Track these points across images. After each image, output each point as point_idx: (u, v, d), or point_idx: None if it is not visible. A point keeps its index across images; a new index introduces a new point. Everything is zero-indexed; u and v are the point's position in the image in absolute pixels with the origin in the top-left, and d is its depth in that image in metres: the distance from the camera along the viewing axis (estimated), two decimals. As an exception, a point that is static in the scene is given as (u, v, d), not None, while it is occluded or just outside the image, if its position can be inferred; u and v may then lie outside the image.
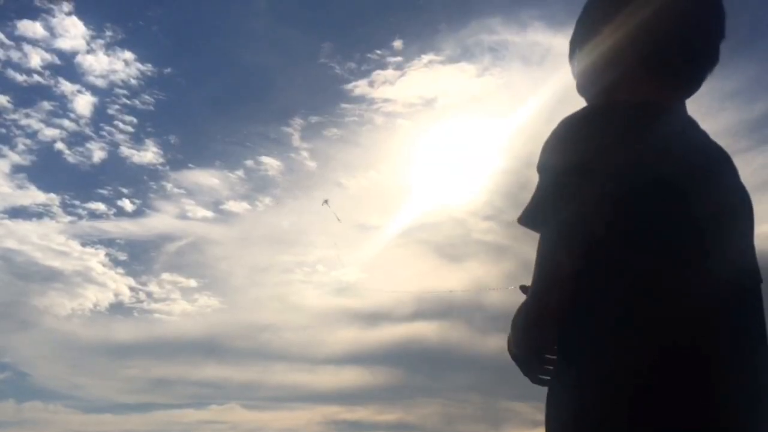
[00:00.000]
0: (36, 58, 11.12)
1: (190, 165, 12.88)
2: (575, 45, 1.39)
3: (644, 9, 1.26)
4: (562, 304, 1.13)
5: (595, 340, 1.09)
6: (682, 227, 1.11)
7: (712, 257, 1.12)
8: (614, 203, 1.11)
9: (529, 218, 1.20)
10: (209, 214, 12.44)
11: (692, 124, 1.29)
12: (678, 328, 1.06)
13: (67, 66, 11.50)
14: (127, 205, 12.26)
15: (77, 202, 12.16)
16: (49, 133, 11.55)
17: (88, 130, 11.78)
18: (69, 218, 12.08)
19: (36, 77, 11.27)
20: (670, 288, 1.08)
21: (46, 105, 11.55)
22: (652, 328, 1.06)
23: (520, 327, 1.24)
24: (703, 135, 1.28)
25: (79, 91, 11.56)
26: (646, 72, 1.27)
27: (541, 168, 1.22)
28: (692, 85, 1.30)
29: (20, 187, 11.69)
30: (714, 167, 1.23)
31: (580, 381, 1.10)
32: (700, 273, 1.10)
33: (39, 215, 11.91)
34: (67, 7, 10.51)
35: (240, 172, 12.45)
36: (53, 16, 11.16)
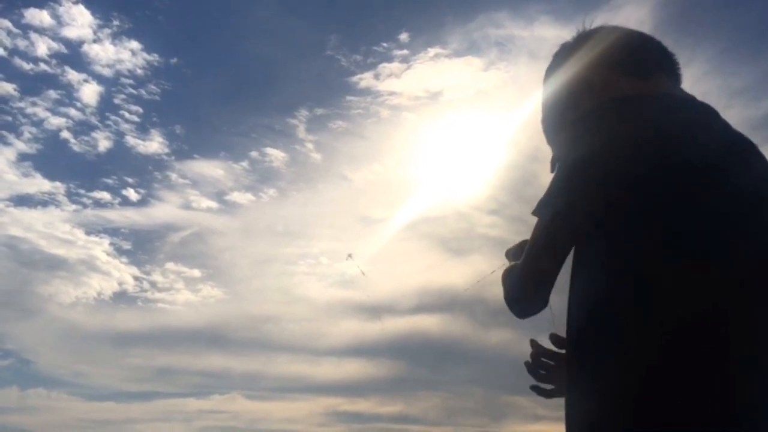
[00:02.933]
0: (42, 47, 11.15)
1: (195, 155, 12.91)
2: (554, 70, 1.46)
3: (602, 41, 1.39)
4: (542, 290, 1.26)
5: (612, 329, 1.09)
6: (694, 215, 1.10)
7: (731, 245, 1.10)
8: (621, 193, 1.11)
9: (537, 208, 1.25)
10: (213, 204, 12.48)
11: (704, 107, 1.28)
12: (692, 319, 1.05)
13: (73, 55, 11.52)
14: (131, 194, 12.30)
15: (82, 191, 12.20)
16: (55, 121, 11.58)
17: (93, 120, 11.81)
18: (74, 207, 12.13)
19: (42, 66, 11.30)
20: (685, 279, 1.07)
21: (53, 94, 11.58)
22: (666, 320, 1.06)
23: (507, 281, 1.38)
24: (720, 122, 1.27)
25: (85, 81, 11.59)
26: (625, 76, 1.32)
27: (555, 163, 1.28)
28: (675, 78, 1.36)
29: (26, 175, 11.74)
30: (730, 152, 1.21)
31: (598, 370, 1.10)
32: (716, 261, 1.08)
33: (44, 203, 11.96)
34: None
35: (245, 163, 12.48)
36: (60, 5, 11.17)
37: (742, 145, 1.24)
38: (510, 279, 1.36)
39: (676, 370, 1.03)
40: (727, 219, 1.11)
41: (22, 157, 11.68)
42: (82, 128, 11.86)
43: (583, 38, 1.42)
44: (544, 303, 1.30)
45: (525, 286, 1.29)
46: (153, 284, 12.56)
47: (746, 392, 1.05)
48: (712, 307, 1.06)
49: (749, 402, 1.05)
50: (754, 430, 1.04)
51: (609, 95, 1.30)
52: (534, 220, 1.27)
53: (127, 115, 11.78)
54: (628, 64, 1.34)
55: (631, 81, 1.31)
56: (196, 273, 12.76)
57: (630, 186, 1.12)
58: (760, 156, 1.24)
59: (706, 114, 1.27)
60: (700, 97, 1.31)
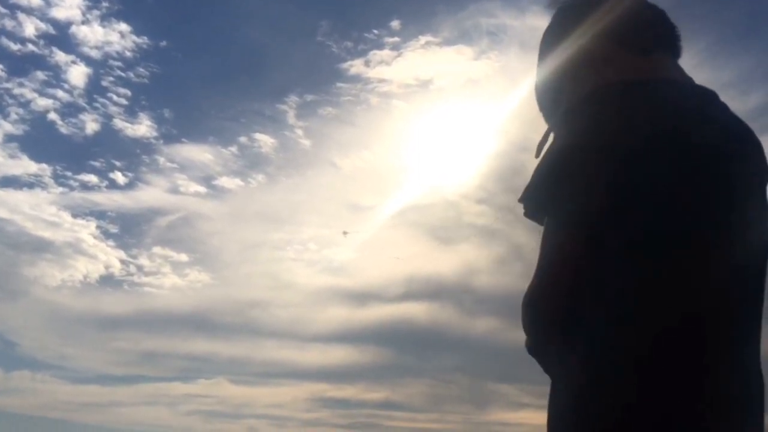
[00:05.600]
0: (30, 27, 11.02)
1: (183, 140, 12.84)
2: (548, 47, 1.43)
3: (605, 11, 1.35)
4: (566, 286, 1.12)
5: (599, 323, 1.09)
6: (691, 204, 1.09)
7: (726, 235, 1.10)
8: (618, 182, 1.10)
9: (531, 199, 1.20)
10: (201, 189, 12.44)
11: (704, 92, 1.27)
12: (681, 312, 1.06)
13: (61, 36, 11.41)
14: (119, 177, 12.24)
15: (69, 174, 12.13)
16: (43, 103, 11.48)
17: (81, 102, 11.71)
18: (60, 189, 12.06)
19: (30, 46, 11.18)
20: (676, 270, 1.07)
21: (40, 75, 11.48)
22: (655, 313, 1.06)
23: (525, 304, 1.20)
24: (722, 105, 1.26)
25: (73, 62, 11.49)
26: (626, 51, 1.30)
27: (542, 147, 1.25)
28: (675, 54, 1.34)
29: (12, 156, 11.64)
30: (729, 139, 1.19)
31: (582, 366, 1.10)
32: (709, 253, 1.08)
33: (30, 185, 11.88)
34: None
35: (233, 149, 12.44)
36: (48, -16, 11.01)
37: (742, 135, 1.23)
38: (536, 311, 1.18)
39: (662, 365, 1.04)
40: (726, 212, 1.11)
41: (9, 138, 11.59)
42: (69, 110, 11.77)
43: (588, 4, 1.38)
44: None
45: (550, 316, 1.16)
46: (140, 268, 12.52)
47: (728, 389, 1.06)
48: (703, 301, 1.07)
49: (726, 398, 1.06)
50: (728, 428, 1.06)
51: (607, 76, 1.28)
52: (520, 207, 1.24)
53: (115, 97, 11.70)
54: (631, 38, 1.31)
55: (632, 58, 1.29)
56: (184, 257, 12.74)
57: (623, 179, 1.10)
58: (758, 144, 1.23)
59: (705, 101, 1.25)
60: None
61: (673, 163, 1.10)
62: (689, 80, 1.30)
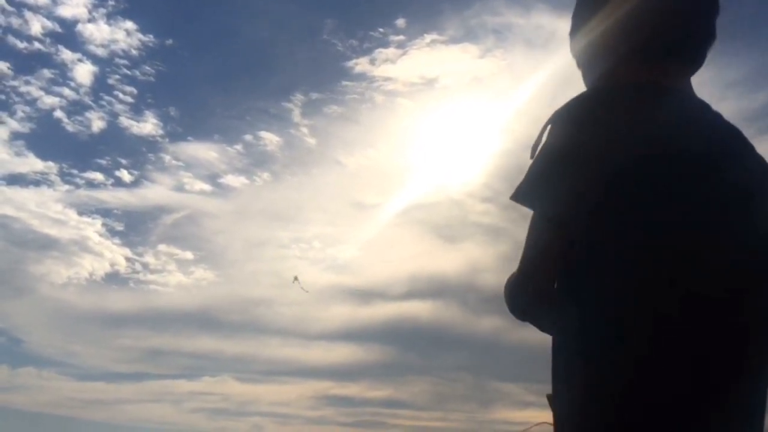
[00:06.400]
0: (37, 26, 11.03)
1: (188, 138, 12.84)
2: (577, 23, 1.41)
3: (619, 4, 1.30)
4: (547, 283, 1.18)
5: (599, 323, 1.10)
6: (684, 207, 1.10)
7: (715, 237, 1.10)
8: (609, 184, 1.11)
9: (522, 195, 1.22)
10: (207, 187, 12.44)
11: (699, 104, 1.27)
12: (681, 312, 1.06)
13: (68, 34, 11.42)
14: (125, 175, 12.25)
15: (75, 171, 12.14)
16: (49, 101, 11.50)
17: (87, 100, 11.72)
18: (67, 187, 12.08)
19: (36, 44, 11.19)
20: (675, 271, 1.07)
21: (47, 73, 11.48)
22: (654, 312, 1.06)
23: (507, 296, 1.29)
24: (714, 115, 1.26)
25: (79, 60, 11.49)
26: (642, 60, 1.28)
27: (538, 148, 1.24)
28: (690, 64, 1.31)
29: (18, 154, 11.67)
30: (722, 145, 1.20)
31: (583, 366, 1.11)
32: (699, 253, 1.09)
33: (37, 183, 11.90)
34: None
35: (239, 147, 12.43)
36: (54, -18, 11.05)
37: (732, 142, 1.23)
38: (511, 296, 1.29)
39: (662, 364, 1.05)
40: (712, 216, 1.11)
41: (15, 136, 11.61)
42: (75, 108, 11.78)
43: None
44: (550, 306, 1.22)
45: (528, 305, 1.24)
46: (145, 266, 12.55)
47: (728, 388, 1.07)
48: (696, 303, 1.07)
49: (727, 397, 1.07)
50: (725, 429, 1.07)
51: (605, 77, 1.29)
52: (514, 205, 1.25)
53: (121, 95, 11.70)
54: (637, 40, 1.29)
55: (633, 59, 1.28)
56: (189, 255, 12.76)
57: (610, 182, 1.11)
58: (751, 152, 1.23)
59: (696, 109, 1.26)
60: (694, 89, 1.31)
61: (663, 168, 1.11)
62: (687, 89, 1.29)
